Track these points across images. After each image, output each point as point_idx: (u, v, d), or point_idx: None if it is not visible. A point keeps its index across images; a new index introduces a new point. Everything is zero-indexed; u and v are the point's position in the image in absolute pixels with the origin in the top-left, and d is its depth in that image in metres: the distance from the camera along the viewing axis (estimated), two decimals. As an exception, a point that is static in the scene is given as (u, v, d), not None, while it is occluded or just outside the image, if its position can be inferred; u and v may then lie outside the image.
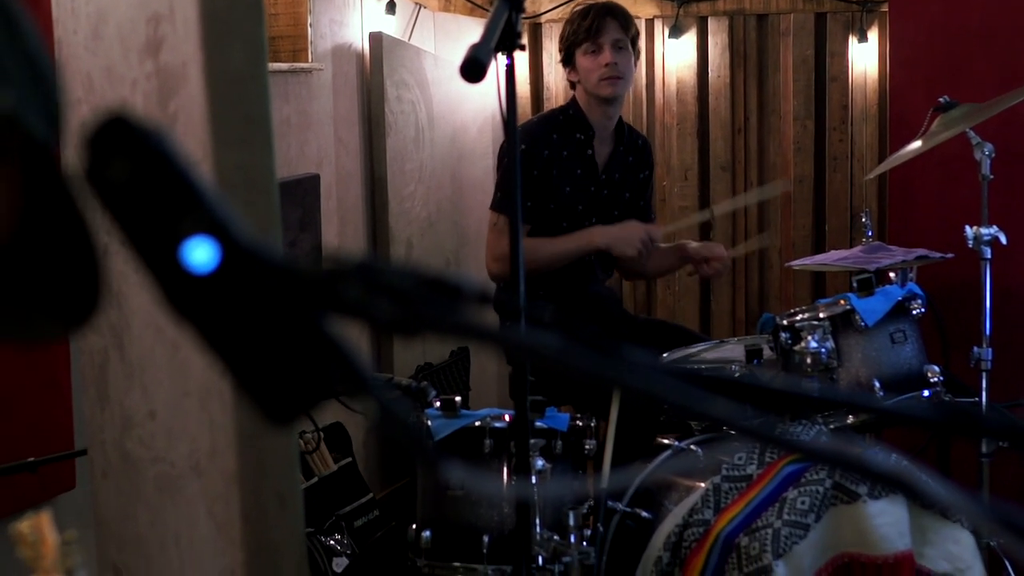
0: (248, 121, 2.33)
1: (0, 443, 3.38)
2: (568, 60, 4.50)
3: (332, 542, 3.91)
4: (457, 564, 3.26)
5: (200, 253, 0.82)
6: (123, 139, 0.82)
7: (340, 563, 3.90)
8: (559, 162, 4.36)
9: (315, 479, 4.07)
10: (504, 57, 2.66)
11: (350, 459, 4.38)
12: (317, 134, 4.90)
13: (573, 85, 4.53)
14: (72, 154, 0.86)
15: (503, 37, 2.57)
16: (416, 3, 5.83)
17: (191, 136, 2.36)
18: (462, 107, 6.06)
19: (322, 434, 4.16)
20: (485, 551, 3.20)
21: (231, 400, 2.37)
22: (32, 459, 3.08)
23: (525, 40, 4.88)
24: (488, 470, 3.30)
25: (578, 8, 4.60)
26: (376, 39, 5.31)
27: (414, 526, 3.35)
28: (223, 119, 2.32)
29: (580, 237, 4.33)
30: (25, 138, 0.91)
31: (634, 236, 4.31)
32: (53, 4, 2.69)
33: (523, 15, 2.63)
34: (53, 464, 3.33)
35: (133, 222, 0.84)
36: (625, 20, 4.46)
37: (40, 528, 1.47)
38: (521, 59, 6.16)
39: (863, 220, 4.08)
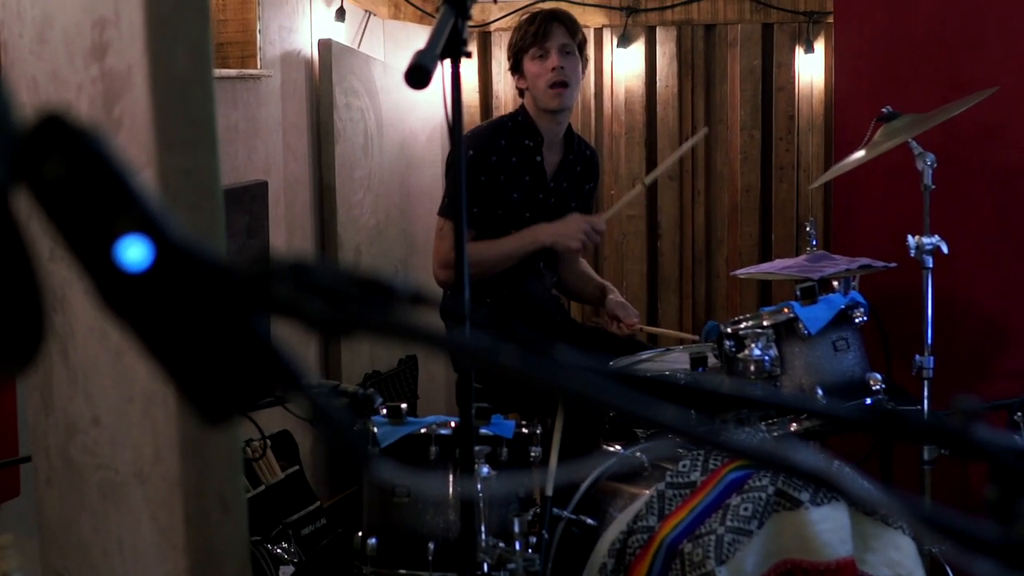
0: (193, 125, 2.33)
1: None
2: (516, 67, 4.52)
3: (279, 550, 3.91)
4: (403, 571, 3.27)
5: (134, 252, 0.83)
6: (58, 138, 0.83)
7: (286, 571, 3.89)
8: (507, 168, 4.37)
9: (262, 487, 4.06)
10: (450, 64, 2.67)
11: (297, 467, 4.37)
12: (265, 141, 4.89)
13: (522, 93, 4.55)
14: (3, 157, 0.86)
15: (448, 44, 2.58)
16: (366, 11, 5.83)
17: (136, 140, 2.36)
18: (411, 115, 6.07)
19: (269, 442, 4.16)
20: (431, 558, 3.21)
21: (174, 406, 2.37)
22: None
23: (472, 47, 4.90)
24: (433, 477, 3.30)
25: (525, 15, 4.62)
26: (325, 46, 5.31)
27: (360, 533, 3.35)
28: (168, 123, 2.32)
29: (524, 236, 4.35)
30: None
31: (577, 228, 4.33)
32: (-1, 7, 2.69)
33: (470, 23, 2.64)
34: (-4, 471, 3.32)
35: (68, 221, 0.84)
36: (572, 26, 4.49)
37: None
38: (470, 68, 6.17)
39: (807, 229, 4.11)
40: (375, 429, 3.35)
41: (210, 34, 2.38)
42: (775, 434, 3.44)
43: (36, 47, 2.62)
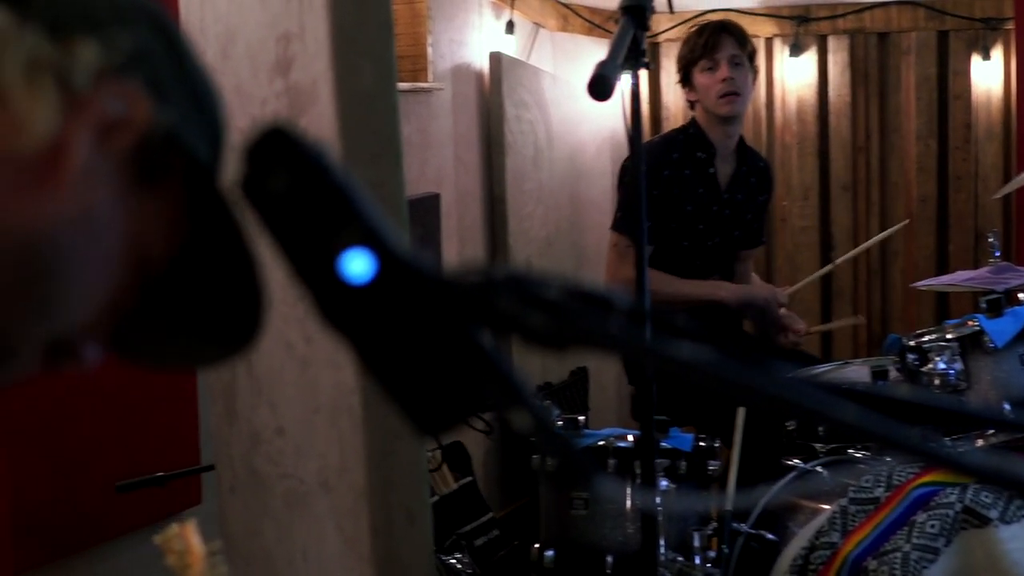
0: (378, 138, 2.34)
1: (129, 457, 3.42)
2: (686, 79, 4.48)
3: (453, 561, 3.91)
4: (587, 580, 3.26)
5: (357, 264, 0.82)
6: (282, 151, 0.83)
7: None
8: (680, 181, 4.34)
9: (436, 498, 4.08)
10: (629, 75, 2.65)
11: (470, 478, 4.38)
12: (437, 154, 4.92)
13: (692, 105, 4.51)
14: (230, 168, 0.87)
15: (629, 55, 2.56)
16: (535, 23, 5.84)
17: (321, 154, 2.38)
18: (580, 127, 6.06)
19: (443, 453, 4.17)
20: (609, 571, 3.18)
21: (361, 417, 2.39)
22: (161, 474, 3.12)
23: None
24: (612, 490, 3.28)
25: (694, 27, 4.59)
26: (496, 59, 5.34)
27: (537, 546, 3.34)
28: (354, 136, 2.34)
29: (705, 286, 4.31)
30: (187, 158, 0.92)
31: (760, 298, 4.32)
32: (182, 24, 2.73)
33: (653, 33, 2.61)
34: (180, 479, 3.37)
35: (289, 234, 0.84)
36: (741, 36, 4.44)
37: (186, 537, 1.48)
38: (640, 79, 6.13)
39: (990, 240, 4.00)
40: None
41: (394, 48, 2.39)
42: (980, 447, 3.36)
43: (219, 62, 2.66)
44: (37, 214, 0.83)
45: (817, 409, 0.81)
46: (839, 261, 4.98)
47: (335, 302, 0.85)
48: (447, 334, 0.84)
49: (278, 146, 0.83)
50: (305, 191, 0.83)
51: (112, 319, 0.93)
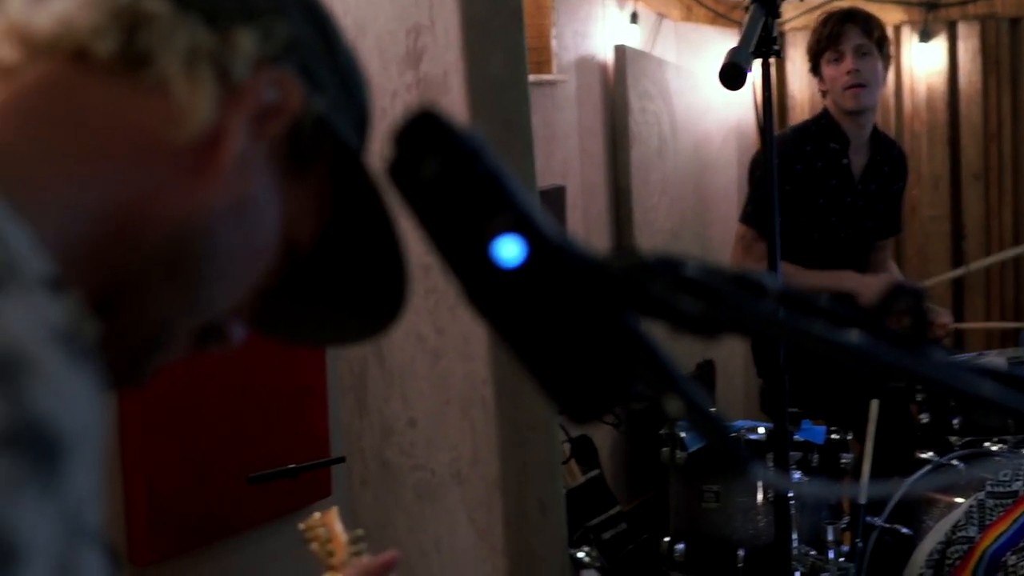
0: (509, 128, 2.34)
1: (261, 450, 3.45)
2: (815, 70, 4.42)
3: (581, 554, 3.90)
4: (716, 573, 3.23)
5: (509, 250, 0.81)
6: (432, 136, 0.82)
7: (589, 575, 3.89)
8: (813, 175, 4.27)
9: (563, 491, 4.07)
10: (760, 64, 2.62)
11: (597, 471, 4.37)
12: (562, 146, 4.91)
13: (824, 94, 4.44)
14: (378, 154, 0.87)
15: (760, 43, 2.53)
16: (658, 13, 5.81)
17: (452, 145, 2.38)
18: (705, 117, 6.02)
19: (571, 446, 4.17)
20: (740, 565, 3.16)
21: (493, 408, 2.39)
22: (293, 466, 3.14)
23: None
24: (743, 484, 3.25)
25: (821, 16, 4.52)
26: (620, 50, 5.31)
27: (666, 539, 3.33)
28: (484, 127, 2.34)
29: (831, 276, 4.23)
30: (336, 144, 0.92)
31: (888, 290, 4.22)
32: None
33: (778, 20, 2.57)
34: (311, 471, 3.40)
35: (439, 219, 0.84)
36: (867, 25, 4.34)
37: (330, 524, 1.50)
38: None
39: None
40: (682, 434, 3.32)
41: (524, 37, 2.39)
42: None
43: (350, 56, 2.67)
44: (194, 203, 0.84)
45: (972, 390, 0.79)
46: (973, 268, 4.88)
47: (485, 287, 0.84)
48: (599, 318, 0.83)
49: (429, 131, 0.83)
50: (456, 176, 0.82)
51: (258, 300, 0.94)
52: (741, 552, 3.17)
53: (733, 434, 0.83)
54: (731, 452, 0.83)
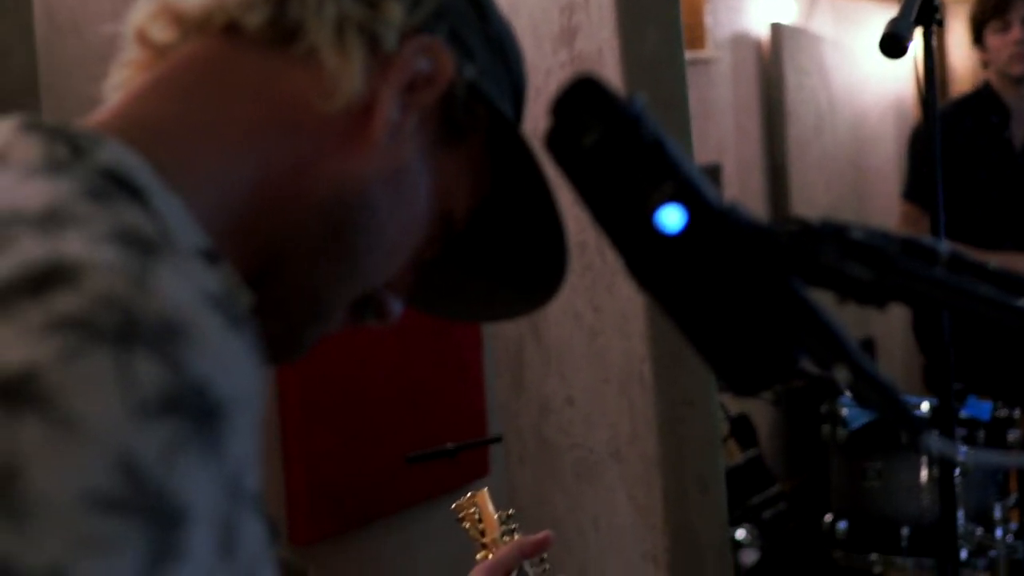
0: (665, 106, 2.32)
1: (418, 430, 3.48)
2: (978, 39, 4.31)
3: (740, 535, 3.87)
4: (875, 556, 3.18)
5: (672, 216, 0.80)
6: (593, 104, 0.81)
7: (749, 555, 3.85)
8: (974, 149, 4.17)
9: (723, 468, 4.04)
10: (921, 33, 2.55)
11: (757, 450, 4.33)
12: (717, 123, 4.87)
13: (986, 65, 4.34)
14: (534, 132, 0.86)
15: (921, 11, 2.47)
16: (814, -12, 5.73)
17: (607, 123, 2.37)
18: (863, 93, 5.92)
19: (730, 426, 4.13)
20: (904, 543, 3.11)
21: (651, 385, 2.37)
22: (451, 445, 3.16)
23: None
24: (906, 460, 3.20)
25: (986, -15, 4.40)
26: (776, 26, 5.25)
27: (828, 517, 3.29)
28: (641, 104, 2.32)
29: (1003, 259, 4.12)
30: (490, 112, 0.91)
31: None
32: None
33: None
34: (469, 450, 3.42)
35: (600, 188, 0.83)
36: None
37: (481, 504, 1.50)
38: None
39: None
40: (843, 411, 3.27)
41: (679, 12, 2.36)
42: None
43: (505, 36, 2.66)
44: (348, 173, 0.84)
45: None
46: None
47: (647, 257, 0.83)
48: (765, 286, 0.81)
49: (588, 98, 0.82)
50: (618, 144, 0.81)
51: (415, 273, 0.94)
52: (905, 530, 3.12)
53: (905, 403, 0.81)
54: (904, 420, 0.81)
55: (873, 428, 3.23)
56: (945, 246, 0.84)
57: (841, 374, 0.82)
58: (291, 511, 3.24)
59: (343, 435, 3.39)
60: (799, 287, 0.81)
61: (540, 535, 1.37)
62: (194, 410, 0.60)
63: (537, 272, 0.99)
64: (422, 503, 3.48)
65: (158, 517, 0.58)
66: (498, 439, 3.25)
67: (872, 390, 0.80)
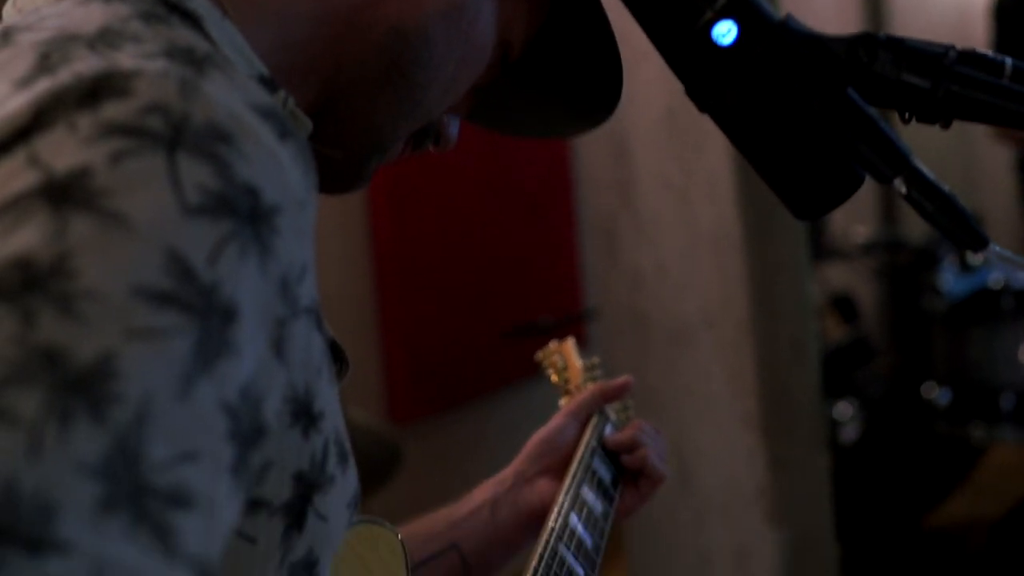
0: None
1: (514, 306, 3.50)
2: None
3: (842, 410, 3.85)
4: (977, 426, 3.15)
5: (725, 27, 0.79)
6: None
7: (848, 432, 3.83)
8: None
9: (817, 331, 4.01)
10: None
11: (857, 326, 4.30)
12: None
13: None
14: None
15: None
16: None
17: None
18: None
19: (831, 302, 4.11)
20: (1007, 411, 3.08)
21: (742, 248, 2.35)
22: (546, 319, 3.17)
23: None
24: (1008, 329, 3.16)
25: None
26: None
27: (931, 389, 3.27)
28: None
29: None
30: None
31: None
32: None
33: None
34: (565, 324, 3.43)
35: (656, 6, 0.82)
36: None
37: (566, 354, 1.50)
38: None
39: None
40: (944, 283, 3.24)
41: None
42: None
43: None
44: (408, 8, 0.84)
45: None
46: None
47: (705, 74, 0.82)
48: (823, 97, 0.80)
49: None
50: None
51: (473, 98, 0.94)
52: (1008, 398, 3.09)
53: (969, 214, 0.80)
54: (966, 230, 0.79)
55: (975, 299, 3.20)
56: (1010, 59, 0.81)
57: (900, 186, 0.80)
58: (390, 388, 3.28)
59: (441, 314, 3.41)
60: (856, 98, 0.80)
61: (620, 380, 1.37)
62: (243, 211, 0.61)
63: (594, 91, 0.99)
64: (520, 381, 3.50)
65: (206, 312, 0.58)
66: (592, 312, 3.26)
67: (933, 201, 0.79)
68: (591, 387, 1.36)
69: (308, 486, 0.75)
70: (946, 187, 0.79)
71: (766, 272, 2.34)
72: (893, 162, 0.79)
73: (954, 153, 5.64)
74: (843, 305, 4.37)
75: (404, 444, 2.70)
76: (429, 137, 0.92)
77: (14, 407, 0.52)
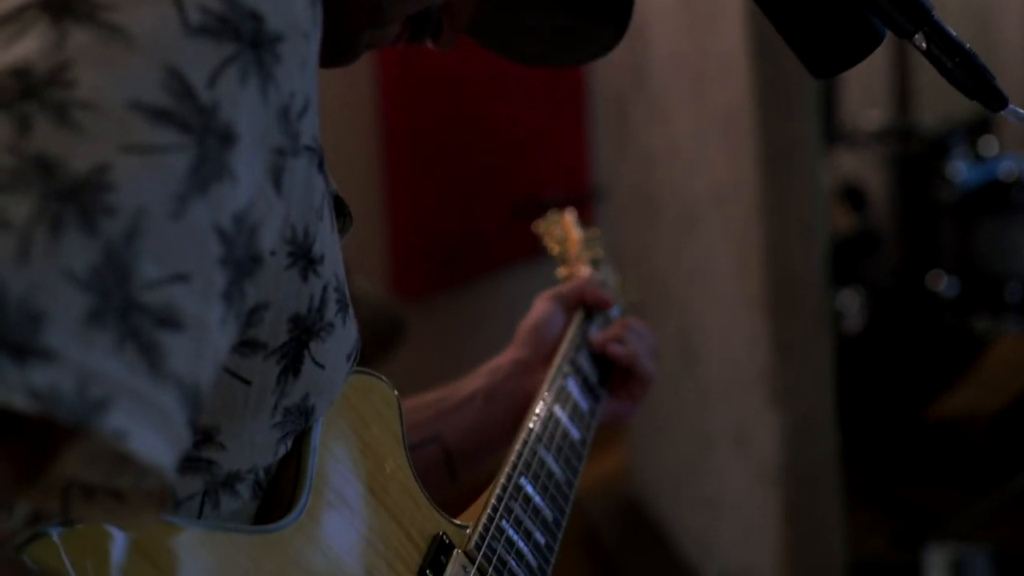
0: None
1: (522, 184, 3.48)
2: None
3: (847, 299, 3.85)
4: (983, 315, 3.16)
5: None
6: None
7: (852, 322, 3.83)
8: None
9: (827, 214, 3.99)
10: None
11: (865, 215, 4.28)
12: None
13: None
14: None
15: None
16: None
17: None
18: None
19: (840, 192, 4.09)
20: (1014, 301, 3.08)
21: (755, 128, 2.33)
22: (554, 198, 3.16)
23: None
24: (1017, 219, 3.15)
25: None
26: None
27: (938, 279, 3.26)
28: None
29: None
30: None
31: None
32: None
33: None
34: (572, 204, 3.41)
35: None
36: None
37: (565, 224, 1.49)
38: None
39: None
40: (954, 173, 3.22)
41: None
42: None
43: None
44: None
45: None
46: None
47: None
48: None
49: None
50: None
51: (475, 5, 0.93)
52: (1014, 289, 3.09)
53: (988, 69, 0.78)
54: (985, 86, 0.78)
55: (985, 190, 3.18)
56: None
57: (919, 41, 0.79)
58: (396, 262, 3.28)
59: (449, 190, 3.40)
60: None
61: (604, 294, 1.33)
62: (246, 35, 0.60)
63: (603, 14, 0.97)
64: (525, 259, 3.49)
65: (204, 133, 0.57)
66: (601, 192, 3.25)
67: (953, 57, 0.78)
68: (576, 281, 1.33)
69: (305, 331, 0.74)
70: (967, 44, 0.77)
71: (778, 154, 2.32)
72: (914, 16, 0.78)
73: (969, 18, 5.55)
74: (851, 194, 4.35)
75: (408, 318, 2.70)
76: (428, 27, 0.91)
77: (5, 213, 0.52)
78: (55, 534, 0.61)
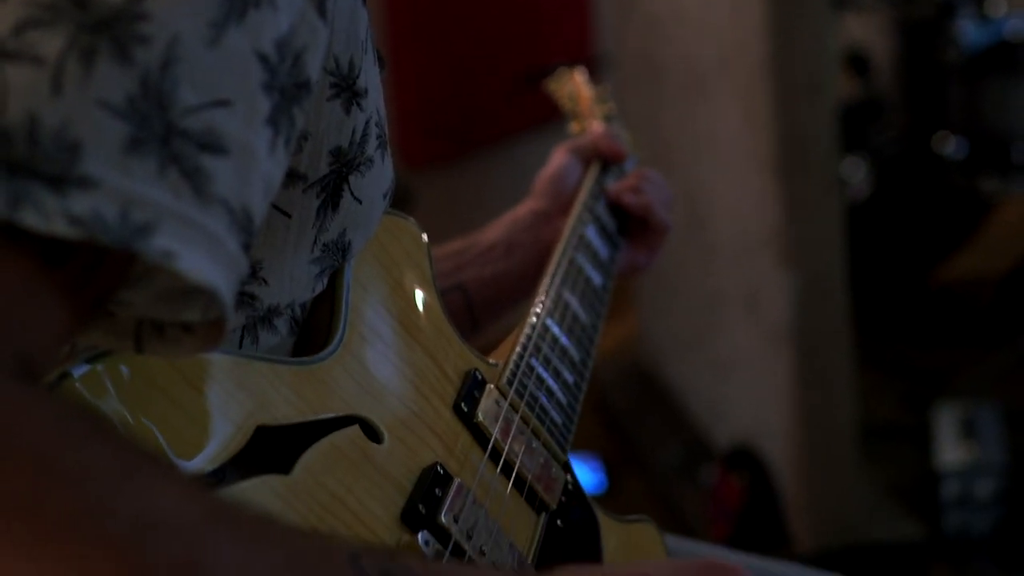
0: None
1: (527, 53, 3.46)
2: None
3: (853, 166, 3.84)
4: (990, 177, 3.15)
5: None
6: None
7: (858, 189, 3.82)
8: None
9: (834, 67, 3.96)
10: None
11: (869, 80, 4.25)
12: None
13: None
14: None
15: None
16: None
17: None
18: None
19: (844, 59, 4.06)
20: (1021, 164, 3.07)
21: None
22: (560, 64, 3.14)
23: None
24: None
25: None
26: None
27: (943, 141, 3.25)
28: None
29: None
30: None
31: None
32: None
33: None
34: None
35: None
36: None
37: (575, 81, 1.50)
38: None
39: None
40: (961, 34, 3.20)
41: None
42: None
43: None
44: None
45: None
46: None
47: None
48: None
49: None
50: None
51: None
52: (1021, 149, 3.08)
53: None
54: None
55: (992, 51, 3.16)
56: None
57: None
58: (404, 132, 3.27)
59: (454, 60, 3.38)
60: None
61: (618, 146, 1.32)
62: None
63: None
64: (531, 129, 3.48)
65: None
66: (606, 58, 3.23)
67: None
68: (593, 133, 1.33)
69: (345, 164, 0.75)
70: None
71: (786, 14, 2.30)
72: None
73: None
74: (855, 61, 4.32)
75: (416, 189, 2.70)
76: None
77: (38, 46, 0.52)
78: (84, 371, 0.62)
